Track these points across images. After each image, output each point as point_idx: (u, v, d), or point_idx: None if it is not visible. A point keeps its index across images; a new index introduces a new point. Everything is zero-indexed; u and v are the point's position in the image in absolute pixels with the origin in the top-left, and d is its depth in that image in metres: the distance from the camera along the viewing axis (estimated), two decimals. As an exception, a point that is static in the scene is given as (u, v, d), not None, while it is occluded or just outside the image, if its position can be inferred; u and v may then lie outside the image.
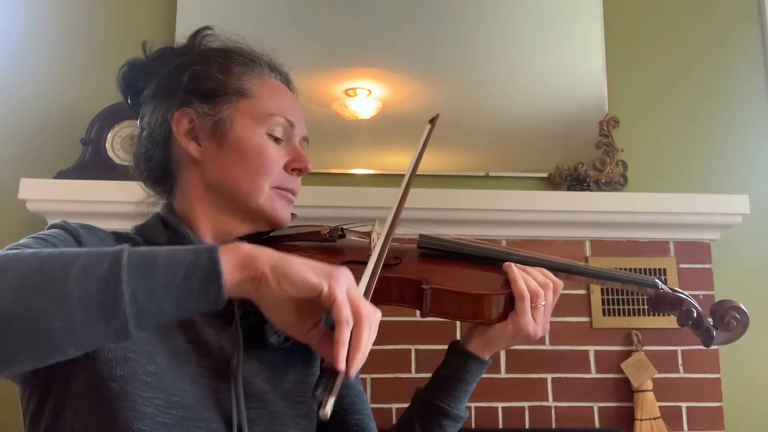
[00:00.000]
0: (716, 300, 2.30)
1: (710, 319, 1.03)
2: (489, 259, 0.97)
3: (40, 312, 0.54)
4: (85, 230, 0.86)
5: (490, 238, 2.15)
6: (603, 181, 2.28)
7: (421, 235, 0.99)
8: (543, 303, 0.91)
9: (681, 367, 2.13)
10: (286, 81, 1.04)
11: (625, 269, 2.17)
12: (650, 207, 2.15)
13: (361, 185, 2.26)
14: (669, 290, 1.03)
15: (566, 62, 2.38)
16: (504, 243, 2.16)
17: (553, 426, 2.07)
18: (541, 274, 0.93)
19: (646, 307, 2.15)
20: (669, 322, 2.15)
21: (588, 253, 2.18)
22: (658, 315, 0.90)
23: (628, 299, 2.15)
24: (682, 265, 2.19)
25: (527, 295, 0.90)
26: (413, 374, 2.04)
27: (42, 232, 0.82)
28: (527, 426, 2.06)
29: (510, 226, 2.15)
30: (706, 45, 2.46)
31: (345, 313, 0.65)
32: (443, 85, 2.35)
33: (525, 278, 0.91)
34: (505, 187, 2.27)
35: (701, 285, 2.18)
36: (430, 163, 2.26)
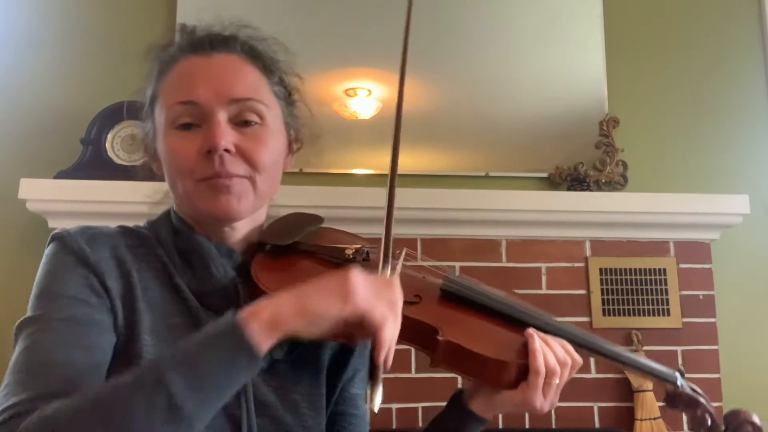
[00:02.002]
0: (716, 300, 2.29)
1: (723, 427, 0.99)
2: (513, 319, 0.93)
3: None
4: (92, 247, 0.84)
5: (490, 238, 2.15)
6: (603, 181, 2.28)
7: (446, 278, 0.94)
8: (557, 381, 0.87)
9: (681, 368, 2.12)
10: (209, 46, 0.91)
11: (626, 269, 2.17)
12: (650, 207, 2.15)
13: (361, 185, 2.25)
14: (688, 390, 1.00)
15: (566, 62, 2.38)
16: (504, 243, 2.17)
17: (553, 426, 2.07)
18: (562, 350, 0.89)
19: (646, 307, 2.15)
20: (669, 322, 2.15)
21: (588, 253, 2.18)
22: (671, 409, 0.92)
23: (628, 299, 2.15)
24: (682, 265, 2.19)
25: (543, 371, 0.86)
26: (413, 374, 2.03)
27: (45, 291, 0.80)
28: (527, 426, 2.05)
29: (510, 226, 2.15)
30: (706, 45, 2.46)
31: (374, 325, 0.73)
32: (443, 85, 2.35)
33: (545, 352, 0.87)
34: (505, 187, 2.26)
35: (701, 285, 2.18)
36: (430, 163, 2.26)
